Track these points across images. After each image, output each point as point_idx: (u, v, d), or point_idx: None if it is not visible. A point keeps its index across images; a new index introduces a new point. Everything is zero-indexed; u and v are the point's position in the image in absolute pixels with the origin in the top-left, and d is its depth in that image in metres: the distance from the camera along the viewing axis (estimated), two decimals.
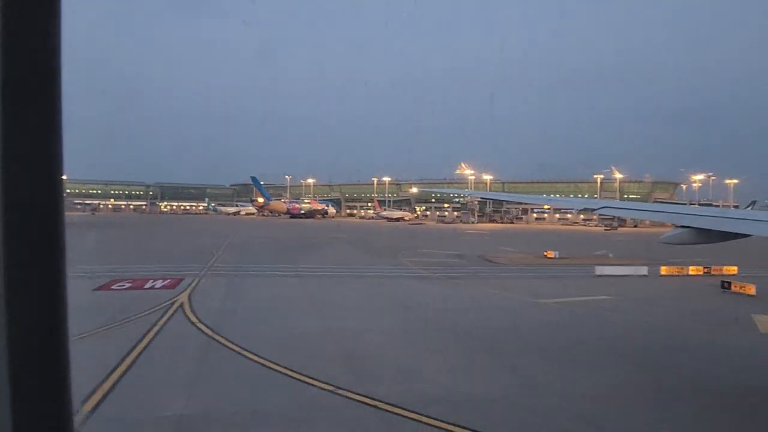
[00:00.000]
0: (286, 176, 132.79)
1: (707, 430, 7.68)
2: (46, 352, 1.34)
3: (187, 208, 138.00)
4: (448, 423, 7.25)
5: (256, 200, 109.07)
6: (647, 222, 71.35)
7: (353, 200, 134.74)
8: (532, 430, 7.42)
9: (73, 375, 1.38)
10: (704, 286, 21.60)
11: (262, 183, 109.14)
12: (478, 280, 22.60)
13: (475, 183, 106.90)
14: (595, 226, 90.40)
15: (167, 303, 15.38)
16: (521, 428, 7.47)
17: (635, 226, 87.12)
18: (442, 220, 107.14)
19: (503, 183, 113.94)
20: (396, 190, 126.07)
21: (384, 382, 9.07)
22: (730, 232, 8.37)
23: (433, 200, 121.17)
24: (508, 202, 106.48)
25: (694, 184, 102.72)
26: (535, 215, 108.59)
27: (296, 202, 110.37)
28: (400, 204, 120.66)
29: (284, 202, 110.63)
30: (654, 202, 79.34)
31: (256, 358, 10.16)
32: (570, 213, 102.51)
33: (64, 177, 1.36)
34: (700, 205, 76.67)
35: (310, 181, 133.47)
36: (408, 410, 7.68)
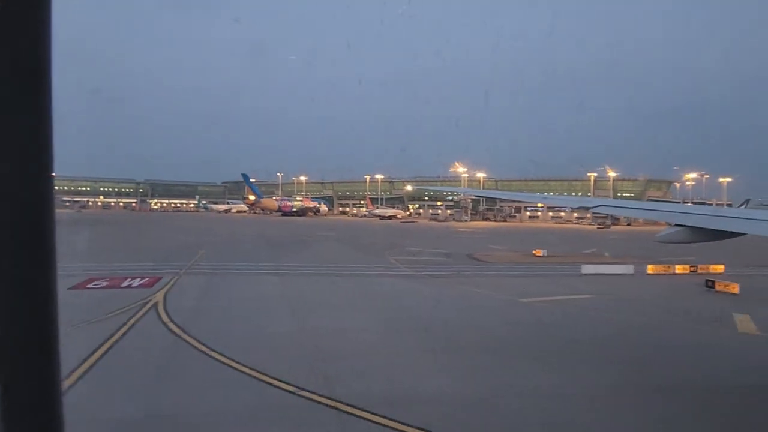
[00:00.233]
0: (278, 174, 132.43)
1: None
2: (36, 357, 1.33)
3: (178, 205, 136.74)
4: (399, 422, 7.12)
5: (248, 198, 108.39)
6: (641, 220, 71.57)
7: (346, 198, 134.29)
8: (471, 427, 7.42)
9: None
10: (689, 285, 21.55)
11: (253, 180, 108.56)
12: (461, 279, 22.45)
13: (468, 181, 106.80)
14: (588, 224, 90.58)
15: (141, 302, 15.11)
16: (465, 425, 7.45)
17: (628, 225, 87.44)
18: (434, 218, 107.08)
19: (496, 181, 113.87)
20: (389, 188, 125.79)
21: (343, 382, 8.91)
22: (726, 231, 8.33)
23: (427, 198, 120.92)
24: (502, 200, 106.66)
25: (688, 183, 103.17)
26: (528, 213, 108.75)
27: (288, 200, 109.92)
28: (393, 202, 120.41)
29: (276, 199, 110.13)
30: (648, 200, 79.67)
31: (220, 357, 9.95)
32: (563, 211, 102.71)
33: (53, 174, 1.33)
34: (693, 203, 77.11)
35: (302, 178, 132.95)
36: (361, 409, 7.56)
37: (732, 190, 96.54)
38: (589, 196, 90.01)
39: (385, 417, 7.31)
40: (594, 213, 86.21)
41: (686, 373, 10.24)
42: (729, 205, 74.90)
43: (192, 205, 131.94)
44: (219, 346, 10.53)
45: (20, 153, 1.27)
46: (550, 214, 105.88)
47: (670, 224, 9.95)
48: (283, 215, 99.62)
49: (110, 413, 7.33)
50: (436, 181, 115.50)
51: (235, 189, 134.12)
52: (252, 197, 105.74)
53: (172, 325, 12.48)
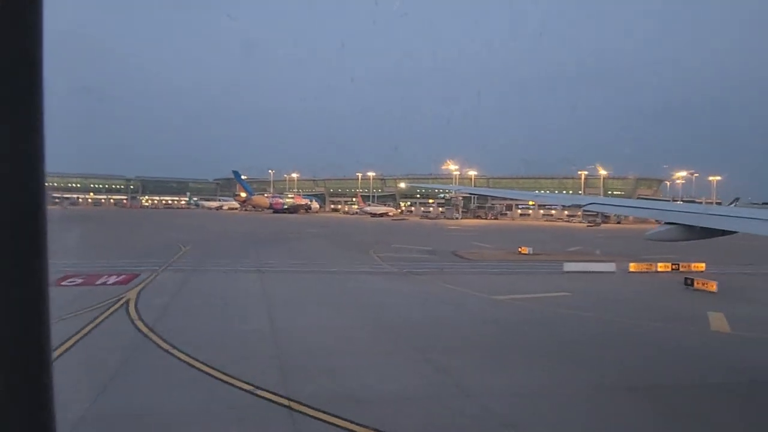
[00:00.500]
0: (270, 171, 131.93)
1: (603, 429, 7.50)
2: (28, 360, 1.30)
3: (169, 202, 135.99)
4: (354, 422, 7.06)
5: (239, 195, 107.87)
6: (630, 218, 71.98)
7: (337, 195, 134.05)
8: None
9: None
10: (668, 283, 21.62)
11: (245, 178, 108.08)
12: (441, 276, 22.37)
13: (460, 178, 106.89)
14: (579, 222, 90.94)
15: (113, 299, 14.96)
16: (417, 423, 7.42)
17: (618, 223, 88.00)
18: (426, 215, 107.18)
19: (488, 179, 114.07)
20: (381, 186, 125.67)
21: (305, 381, 8.82)
22: (716, 229, 8.29)
23: (418, 196, 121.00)
24: (493, 198, 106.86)
25: (678, 181, 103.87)
26: (519, 211, 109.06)
27: (279, 197, 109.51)
28: (385, 200, 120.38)
29: (267, 196, 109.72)
30: (638, 198, 79.99)
31: (183, 356, 9.84)
32: (554, 209, 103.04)
33: (45, 171, 1.31)
34: (683, 202, 77.43)
35: (294, 175, 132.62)
36: (317, 410, 7.51)
37: (721, 188, 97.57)
38: (580, 194, 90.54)
39: (335, 416, 7.28)
40: (585, 211, 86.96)
41: (649, 372, 10.19)
42: (719, 204, 75.53)
43: (183, 202, 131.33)
44: (184, 345, 10.41)
45: (11, 150, 1.26)
46: (541, 212, 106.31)
47: (660, 222, 9.94)
48: (274, 212, 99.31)
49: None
50: (428, 179, 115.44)
51: (227, 186, 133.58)
52: (243, 194, 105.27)
53: (139, 323, 12.34)
